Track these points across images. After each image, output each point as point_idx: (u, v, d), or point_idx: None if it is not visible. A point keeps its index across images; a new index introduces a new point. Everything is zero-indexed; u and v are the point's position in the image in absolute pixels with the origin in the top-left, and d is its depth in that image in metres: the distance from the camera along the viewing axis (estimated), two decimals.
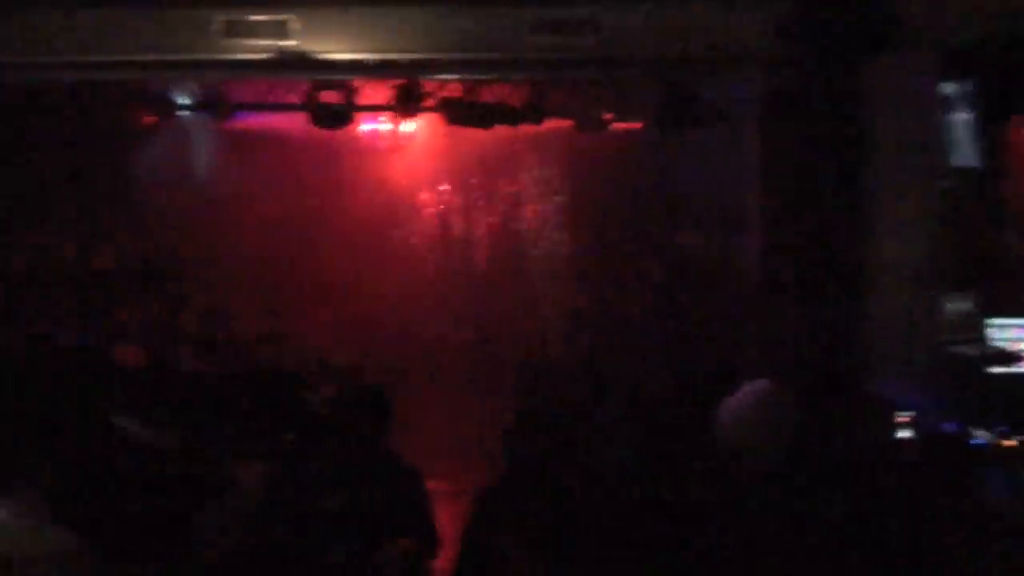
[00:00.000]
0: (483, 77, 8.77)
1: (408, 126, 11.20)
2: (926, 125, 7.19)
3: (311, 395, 8.28)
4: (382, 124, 11.31)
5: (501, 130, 10.01)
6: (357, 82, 9.11)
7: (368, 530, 4.56)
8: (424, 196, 12.37)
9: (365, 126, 11.31)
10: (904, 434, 5.50)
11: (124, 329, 7.34)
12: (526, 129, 10.35)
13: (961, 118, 7.60)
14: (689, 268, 10.59)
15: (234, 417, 5.09)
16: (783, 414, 3.88)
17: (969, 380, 6.73)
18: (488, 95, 9.57)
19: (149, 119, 10.95)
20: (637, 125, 10.88)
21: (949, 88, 7.54)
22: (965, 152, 7.63)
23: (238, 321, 9.78)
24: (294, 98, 9.49)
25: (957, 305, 7.25)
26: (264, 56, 7.41)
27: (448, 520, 5.14)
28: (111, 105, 10.29)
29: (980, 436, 6.12)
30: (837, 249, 7.16)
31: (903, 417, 5.55)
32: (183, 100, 10.31)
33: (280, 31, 7.38)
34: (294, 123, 10.15)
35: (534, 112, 9.81)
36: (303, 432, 5.30)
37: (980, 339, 7.18)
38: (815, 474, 3.88)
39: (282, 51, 7.38)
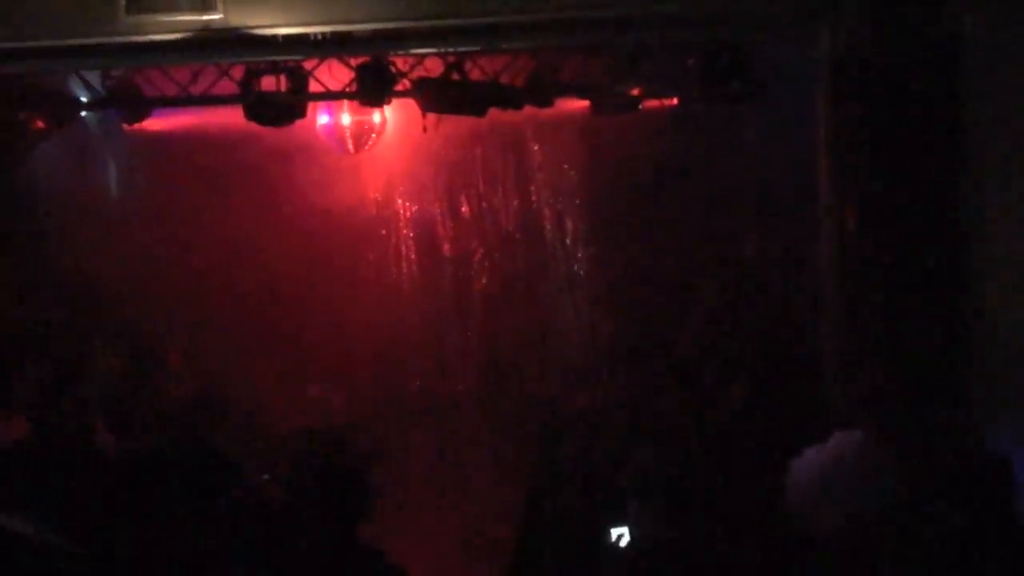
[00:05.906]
0: (470, 49, 8.62)
1: (376, 117, 11.15)
2: None
3: (258, 477, 8.17)
4: (344, 116, 11.28)
5: (498, 116, 9.72)
6: (307, 64, 9.02)
7: None
8: (401, 207, 12.30)
9: (321, 120, 11.26)
10: None
11: (10, 398, 7.19)
12: (530, 113, 10.14)
13: None
14: (748, 287, 10.39)
15: (153, 509, 4.95)
16: (882, 470, 3.80)
17: None
18: (478, 72, 9.44)
19: (42, 122, 10.90)
20: (672, 102, 10.71)
21: None
22: None
23: (157, 381, 9.67)
24: (227, 88, 9.42)
25: None
26: (183, 35, 7.30)
27: None
28: None
29: None
30: (937, 255, 6.96)
31: None
32: (84, 97, 10.30)
33: (202, 2, 7.27)
34: (229, 120, 10.07)
35: (540, 92, 9.64)
36: (248, 525, 5.17)
37: None
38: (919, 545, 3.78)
39: (206, 27, 7.30)
